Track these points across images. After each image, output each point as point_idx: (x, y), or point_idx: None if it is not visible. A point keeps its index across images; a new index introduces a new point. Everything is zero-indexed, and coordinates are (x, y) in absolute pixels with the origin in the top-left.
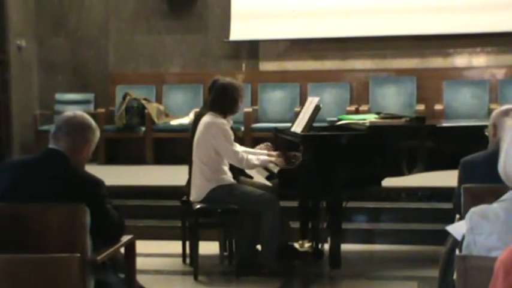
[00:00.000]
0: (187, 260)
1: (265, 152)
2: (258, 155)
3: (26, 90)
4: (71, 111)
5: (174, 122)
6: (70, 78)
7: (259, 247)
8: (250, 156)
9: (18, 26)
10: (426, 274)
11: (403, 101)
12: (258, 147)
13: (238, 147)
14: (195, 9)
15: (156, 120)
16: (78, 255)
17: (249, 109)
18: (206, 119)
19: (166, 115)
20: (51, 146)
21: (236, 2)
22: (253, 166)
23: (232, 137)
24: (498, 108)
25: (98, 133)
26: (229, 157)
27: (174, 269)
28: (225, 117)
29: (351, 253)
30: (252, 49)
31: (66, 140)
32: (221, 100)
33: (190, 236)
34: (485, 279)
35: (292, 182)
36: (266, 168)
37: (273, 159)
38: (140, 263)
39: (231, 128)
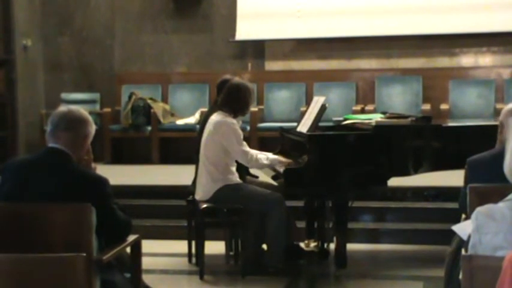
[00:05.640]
0: (193, 260)
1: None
2: (267, 155)
3: (31, 89)
4: (64, 107)
5: (180, 122)
6: (76, 77)
7: (265, 247)
8: (260, 156)
9: (23, 26)
10: (432, 274)
11: (409, 100)
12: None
13: (248, 148)
14: (201, 9)
15: (162, 119)
16: (84, 254)
17: (255, 109)
18: (215, 118)
19: (172, 115)
20: (51, 144)
21: (242, 2)
22: (262, 166)
23: (242, 136)
24: (506, 107)
25: (94, 126)
26: (239, 157)
27: (180, 269)
28: (235, 117)
29: (356, 253)
30: (258, 49)
31: (65, 137)
32: (233, 100)
33: (196, 235)
34: (491, 278)
35: (298, 182)
36: (272, 168)
37: (282, 159)
38: (146, 262)
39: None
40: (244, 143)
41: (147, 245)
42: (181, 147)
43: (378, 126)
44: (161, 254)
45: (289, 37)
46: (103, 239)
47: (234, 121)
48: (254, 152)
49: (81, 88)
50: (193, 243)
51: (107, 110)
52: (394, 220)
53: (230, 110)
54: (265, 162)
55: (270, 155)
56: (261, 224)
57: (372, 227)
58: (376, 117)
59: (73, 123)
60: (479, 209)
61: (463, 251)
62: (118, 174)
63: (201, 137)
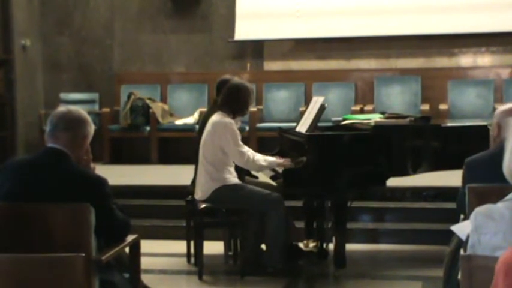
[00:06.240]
0: (192, 260)
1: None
2: (266, 157)
3: (30, 89)
4: (63, 107)
5: (179, 122)
6: (75, 77)
7: (264, 247)
8: (257, 157)
9: (22, 26)
10: (431, 274)
11: (407, 100)
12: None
13: (246, 149)
14: (200, 9)
15: (160, 119)
16: (83, 254)
17: (254, 109)
18: (214, 118)
19: (171, 115)
20: (50, 144)
21: (241, 1)
22: (259, 167)
23: (239, 137)
24: (501, 107)
25: (93, 126)
26: (235, 158)
27: (178, 269)
28: (234, 117)
29: (355, 253)
30: (257, 49)
31: (65, 137)
32: (233, 101)
33: (195, 235)
34: (490, 278)
35: (297, 182)
36: (271, 168)
37: (280, 161)
38: (145, 262)
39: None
40: (242, 144)
41: (146, 245)
42: (180, 147)
43: (377, 127)
44: (160, 254)
45: (288, 37)
46: (102, 239)
47: (232, 121)
48: (252, 154)
49: (80, 88)
50: (192, 243)
51: (106, 110)
52: (393, 220)
53: (229, 111)
54: (263, 164)
55: (269, 158)
56: (260, 224)
57: (371, 227)
58: (375, 117)
59: (72, 123)
60: (478, 209)
61: (462, 251)
62: (117, 174)
63: (200, 137)
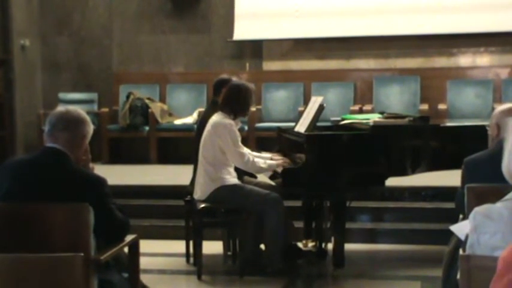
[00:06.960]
0: (191, 260)
1: (269, 155)
2: (265, 159)
3: (29, 89)
4: (62, 107)
5: (178, 122)
6: (74, 77)
7: (263, 247)
8: (257, 159)
9: (21, 26)
10: (430, 274)
11: (406, 100)
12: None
13: (245, 150)
14: (199, 9)
15: (159, 119)
16: (82, 254)
17: (253, 109)
18: (215, 118)
19: (170, 115)
20: (49, 144)
21: (240, 1)
22: (259, 169)
23: (239, 139)
24: (500, 107)
25: (92, 126)
26: (234, 159)
27: (177, 269)
28: (234, 118)
29: (354, 253)
30: (256, 49)
31: (64, 137)
32: (234, 101)
33: (194, 235)
34: (489, 278)
35: (296, 182)
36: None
37: (280, 162)
38: (144, 262)
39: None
40: (241, 145)
41: (145, 245)
42: (179, 147)
43: (376, 126)
44: (159, 254)
45: (287, 37)
46: (101, 238)
47: (232, 122)
48: (251, 155)
49: (79, 88)
50: (191, 243)
51: (105, 110)
52: (392, 220)
53: (230, 111)
54: (263, 166)
55: (268, 160)
56: (258, 224)
57: (369, 227)
58: (374, 117)
59: (71, 123)
60: (477, 209)
61: (460, 251)
62: (116, 174)
63: (198, 137)
